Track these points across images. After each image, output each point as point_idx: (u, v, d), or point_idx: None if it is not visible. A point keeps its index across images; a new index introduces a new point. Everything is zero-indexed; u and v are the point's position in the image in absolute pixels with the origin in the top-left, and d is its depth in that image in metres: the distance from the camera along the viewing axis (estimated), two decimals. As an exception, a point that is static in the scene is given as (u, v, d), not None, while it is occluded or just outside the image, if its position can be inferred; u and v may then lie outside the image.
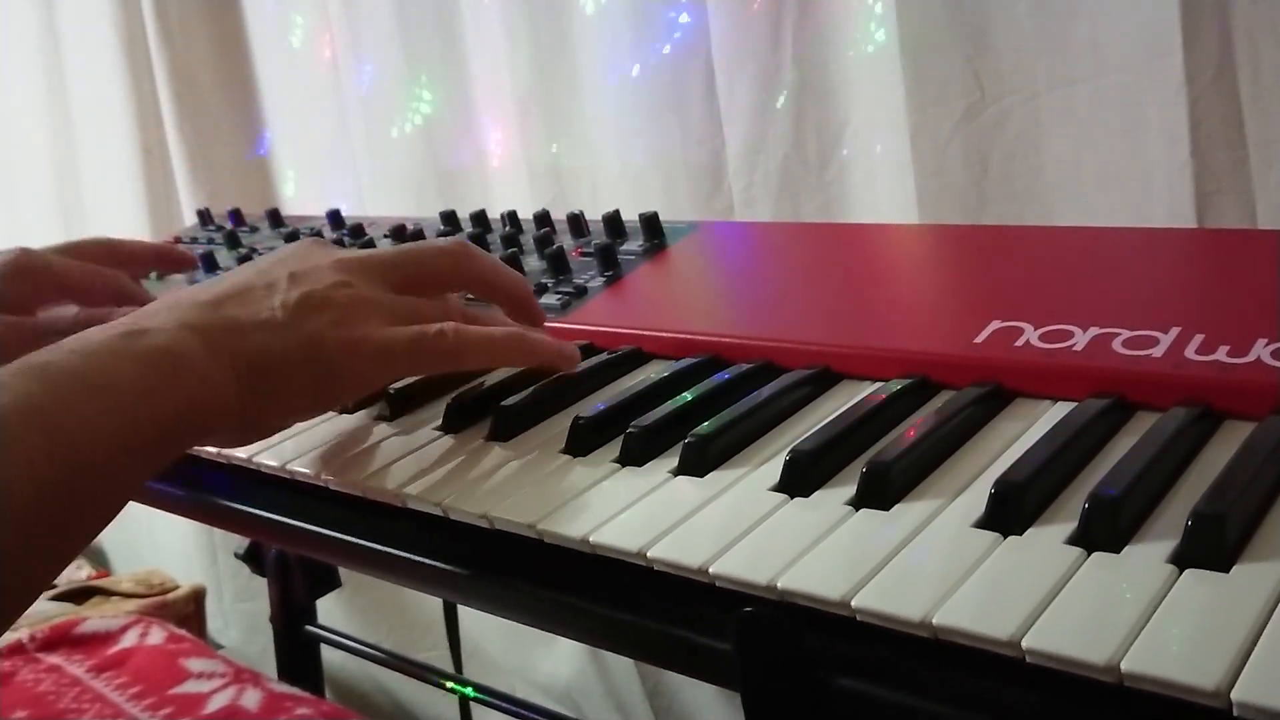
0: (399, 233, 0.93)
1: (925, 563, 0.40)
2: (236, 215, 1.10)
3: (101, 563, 2.04)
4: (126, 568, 1.91)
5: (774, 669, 0.40)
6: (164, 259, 0.84)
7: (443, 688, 1.16)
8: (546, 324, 0.65)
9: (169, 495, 0.64)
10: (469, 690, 1.12)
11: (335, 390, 0.55)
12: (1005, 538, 0.41)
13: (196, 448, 0.57)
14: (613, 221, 0.82)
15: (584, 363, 0.64)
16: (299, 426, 0.62)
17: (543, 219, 0.88)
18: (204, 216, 1.15)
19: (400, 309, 0.56)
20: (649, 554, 0.43)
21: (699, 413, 0.54)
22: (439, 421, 0.60)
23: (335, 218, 1.02)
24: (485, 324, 0.59)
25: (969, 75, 0.90)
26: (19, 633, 1.04)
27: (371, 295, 0.55)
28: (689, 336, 0.64)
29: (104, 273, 0.73)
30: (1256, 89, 0.78)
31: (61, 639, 1.01)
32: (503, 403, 0.58)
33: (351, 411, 0.64)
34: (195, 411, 0.49)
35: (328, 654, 1.24)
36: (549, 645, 1.40)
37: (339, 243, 0.93)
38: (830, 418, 0.52)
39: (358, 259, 0.57)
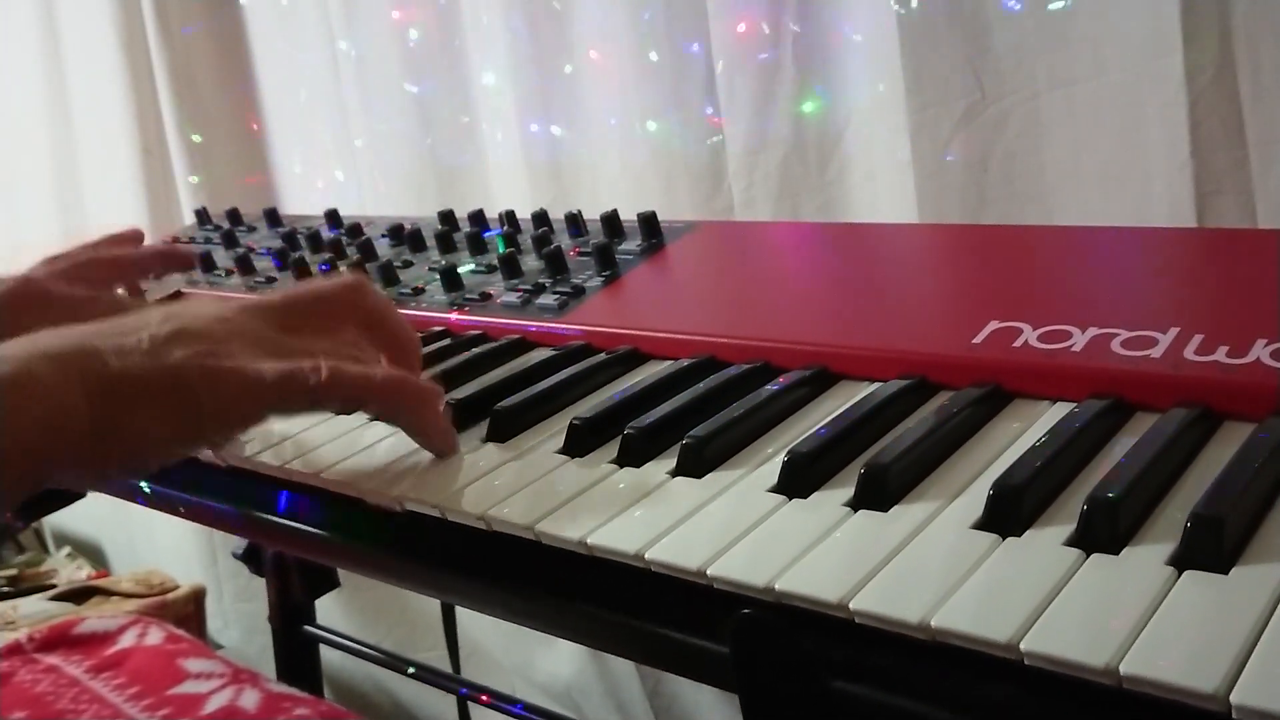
0: (397, 232, 0.93)
1: (923, 565, 0.40)
2: (234, 215, 1.10)
3: (101, 563, 2.04)
4: (126, 568, 1.91)
5: (772, 671, 0.40)
6: (168, 260, 0.83)
7: (442, 687, 1.16)
8: (544, 325, 0.65)
9: (167, 497, 0.64)
10: (467, 689, 1.12)
11: (198, 424, 0.51)
12: (1004, 539, 0.40)
13: (68, 480, 0.52)
14: (611, 221, 0.82)
15: (582, 363, 0.64)
16: (297, 427, 0.62)
17: (541, 218, 0.88)
18: (202, 216, 1.15)
19: (282, 346, 0.53)
20: (647, 556, 0.43)
21: (697, 414, 0.53)
22: (436, 422, 0.59)
23: (334, 217, 1.02)
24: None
25: (969, 75, 0.90)
26: (18, 633, 1.03)
27: (251, 331, 0.52)
28: (687, 337, 0.64)
29: (103, 299, 0.72)
30: (1256, 89, 0.78)
31: (60, 639, 1.01)
32: (500, 404, 0.58)
33: (349, 413, 0.64)
34: (41, 436, 0.46)
35: (327, 654, 1.24)
36: (549, 645, 1.40)
37: (335, 243, 0.93)
38: (828, 418, 0.52)
39: (243, 304, 0.55)
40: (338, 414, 0.62)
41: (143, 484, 0.65)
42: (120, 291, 0.79)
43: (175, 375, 0.49)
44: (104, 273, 0.76)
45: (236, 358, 0.51)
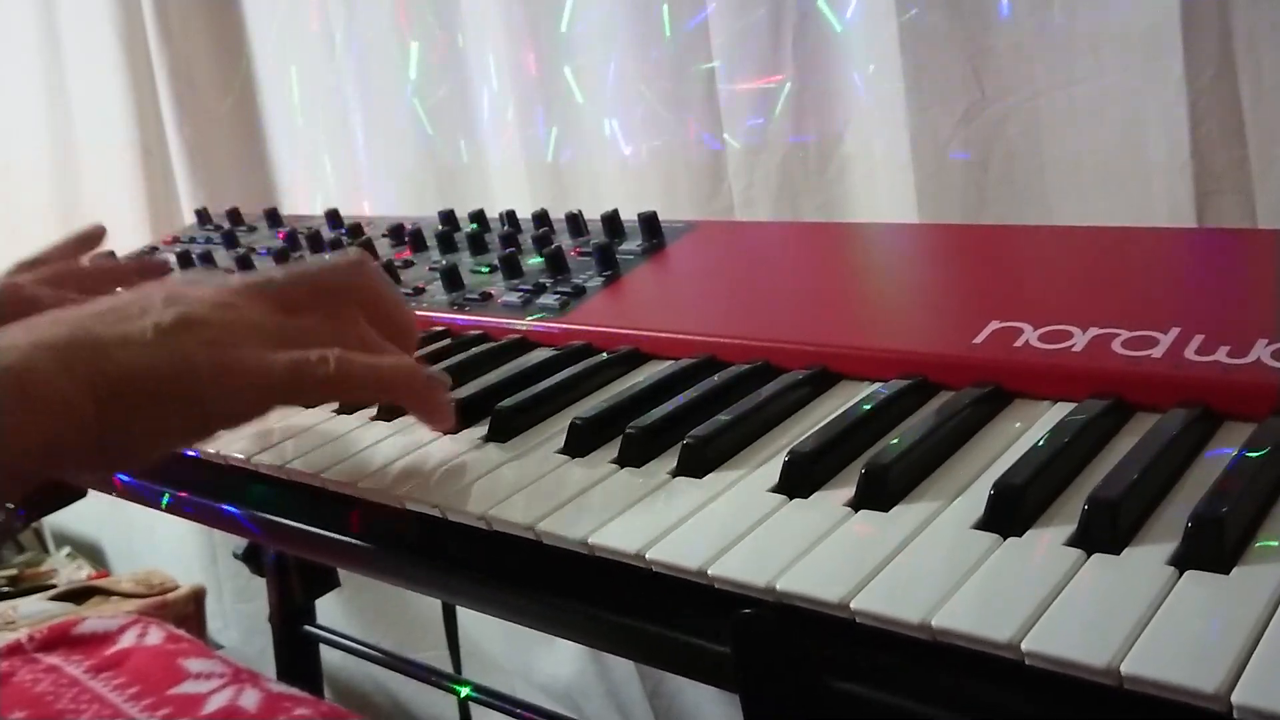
0: (397, 232, 0.93)
1: (924, 564, 0.40)
2: (234, 215, 1.10)
3: (101, 563, 2.04)
4: (126, 568, 1.91)
5: (772, 671, 0.40)
6: (143, 274, 0.81)
7: (442, 688, 1.16)
8: (544, 325, 0.65)
9: (165, 497, 0.64)
10: (468, 689, 1.12)
11: (206, 418, 0.51)
12: (1005, 539, 0.40)
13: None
14: (611, 221, 0.82)
15: (583, 363, 0.64)
16: (297, 426, 0.62)
17: (541, 218, 0.88)
18: (202, 216, 1.15)
19: (286, 332, 0.52)
20: (648, 555, 0.43)
21: (697, 414, 0.53)
22: (437, 422, 0.59)
23: (334, 217, 1.02)
24: (380, 351, 0.55)
25: (969, 75, 0.90)
26: (18, 632, 1.03)
27: (254, 318, 0.51)
28: (687, 337, 0.64)
29: None
30: (1256, 89, 0.78)
31: (60, 639, 1.01)
32: (500, 403, 0.58)
33: (350, 412, 0.64)
34: (46, 437, 0.45)
35: (327, 654, 1.24)
36: (549, 645, 1.40)
37: (335, 243, 0.93)
38: (829, 418, 0.52)
39: (243, 283, 0.54)
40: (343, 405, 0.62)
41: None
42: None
43: (182, 367, 0.48)
44: (80, 282, 0.76)
45: (244, 347, 0.50)
